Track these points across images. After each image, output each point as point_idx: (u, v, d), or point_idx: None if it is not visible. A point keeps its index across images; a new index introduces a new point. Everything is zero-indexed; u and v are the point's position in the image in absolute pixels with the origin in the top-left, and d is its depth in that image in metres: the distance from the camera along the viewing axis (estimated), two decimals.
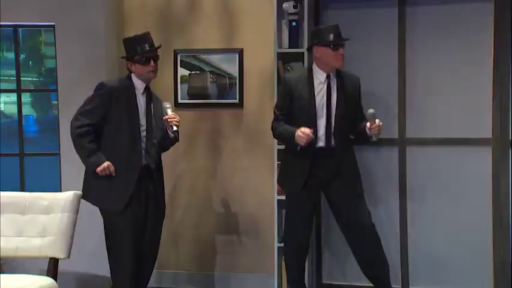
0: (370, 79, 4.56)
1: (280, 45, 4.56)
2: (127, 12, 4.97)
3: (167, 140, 4.07)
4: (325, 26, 4.09)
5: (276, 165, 4.56)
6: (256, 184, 4.86)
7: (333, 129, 3.98)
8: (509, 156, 4.37)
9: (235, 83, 4.87)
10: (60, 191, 4.55)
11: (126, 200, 3.91)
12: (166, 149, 4.16)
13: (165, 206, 4.18)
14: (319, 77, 4.01)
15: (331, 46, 3.92)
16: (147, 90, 4.03)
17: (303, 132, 3.82)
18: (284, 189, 4.21)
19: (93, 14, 4.63)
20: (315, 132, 3.91)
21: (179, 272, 4.97)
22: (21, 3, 4.67)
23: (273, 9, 4.52)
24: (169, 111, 3.96)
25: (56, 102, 4.84)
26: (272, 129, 4.14)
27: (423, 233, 4.57)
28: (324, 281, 4.76)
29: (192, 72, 4.91)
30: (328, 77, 4.00)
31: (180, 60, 4.90)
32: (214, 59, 4.89)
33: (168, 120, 3.93)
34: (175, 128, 3.94)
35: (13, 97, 5.41)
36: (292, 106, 4.02)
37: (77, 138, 3.90)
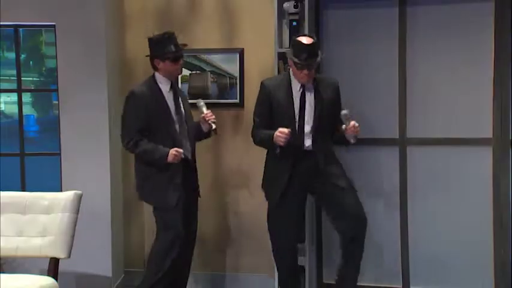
0: (371, 79, 4.57)
1: (280, 45, 4.55)
2: (127, 12, 4.97)
3: (202, 134, 4.23)
4: (300, 43, 3.91)
5: None
6: (257, 184, 4.84)
7: (309, 134, 3.97)
8: (509, 156, 4.38)
9: (236, 83, 4.87)
10: (61, 191, 4.55)
11: (177, 196, 4.01)
12: (200, 139, 4.30)
13: (199, 186, 4.32)
14: (295, 84, 4.02)
15: (297, 65, 3.90)
16: (173, 86, 4.14)
17: (281, 132, 3.84)
18: (266, 196, 4.20)
19: (94, 14, 4.63)
20: (293, 133, 3.90)
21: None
22: (22, 3, 4.67)
23: (273, 9, 4.52)
24: (204, 110, 4.14)
25: (57, 102, 4.84)
26: (252, 136, 4.15)
27: (424, 232, 4.57)
28: (324, 281, 4.76)
29: (193, 72, 4.91)
30: (303, 85, 4.00)
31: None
32: (215, 58, 4.89)
33: (206, 118, 4.11)
34: (214, 126, 4.10)
35: (14, 97, 5.42)
36: (272, 112, 4.02)
37: (134, 150, 4.03)
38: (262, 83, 4.13)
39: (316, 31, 4.66)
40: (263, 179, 4.22)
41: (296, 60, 3.88)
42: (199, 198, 4.35)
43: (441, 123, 4.52)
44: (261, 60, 4.78)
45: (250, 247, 4.91)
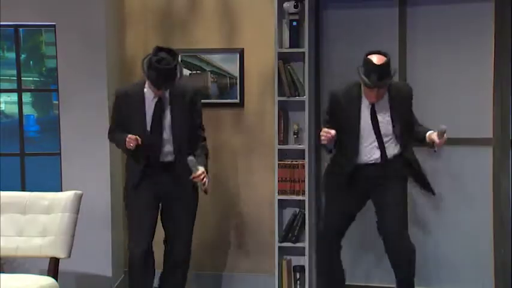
0: None
1: (280, 45, 4.56)
2: (127, 12, 4.97)
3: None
4: (371, 62, 3.74)
5: (276, 165, 4.57)
6: (257, 184, 4.86)
7: (383, 148, 3.90)
8: (509, 156, 4.38)
9: (236, 83, 4.87)
10: (61, 190, 4.55)
11: (137, 177, 4.02)
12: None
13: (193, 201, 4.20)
14: (365, 99, 3.89)
15: (365, 85, 3.78)
16: (158, 97, 3.99)
17: (325, 132, 3.79)
18: (329, 181, 4.16)
19: (94, 14, 4.63)
20: (352, 151, 3.88)
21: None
22: (22, 3, 4.67)
23: (273, 9, 4.52)
24: (194, 170, 3.91)
25: (57, 102, 4.84)
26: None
27: (424, 232, 4.57)
28: None
29: (193, 72, 4.91)
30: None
31: (181, 60, 4.89)
32: (215, 58, 4.88)
33: (195, 180, 3.95)
34: (204, 187, 4.00)
35: (14, 97, 5.41)
36: (338, 123, 3.91)
37: (110, 140, 4.24)
38: (332, 93, 4.02)
39: (316, 31, 4.66)
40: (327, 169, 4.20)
41: (367, 81, 3.73)
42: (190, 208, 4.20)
43: (441, 123, 4.51)
44: (261, 60, 4.78)
45: (251, 247, 4.91)
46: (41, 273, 3.80)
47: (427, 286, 4.56)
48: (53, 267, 3.79)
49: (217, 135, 4.87)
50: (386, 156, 3.90)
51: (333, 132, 3.79)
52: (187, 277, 4.27)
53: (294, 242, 4.62)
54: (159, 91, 3.94)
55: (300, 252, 4.55)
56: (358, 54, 4.53)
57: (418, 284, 4.56)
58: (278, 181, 4.58)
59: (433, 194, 4.12)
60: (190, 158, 3.90)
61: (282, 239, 4.63)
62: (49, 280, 3.68)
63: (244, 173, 4.90)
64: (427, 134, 3.88)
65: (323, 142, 3.84)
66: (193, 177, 3.92)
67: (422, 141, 3.92)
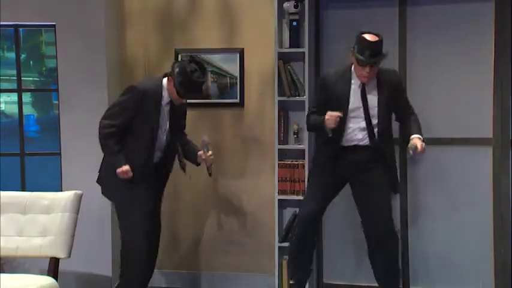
0: None
1: (280, 45, 4.56)
2: (127, 11, 4.97)
3: (193, 159, 4.20)
4: (365, 39, 3.80)
5: (276, 165, 4.57)
6: (257, 184, 4.86)
7: (372, 130, 3.93)
8: (509, 156, 4.38)
9: (236, 83, 4.87)
10: (61, 190, 4.55)
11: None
12: (187, 159, 4.28)
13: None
14: (356, 79, 3.93)
15: (358, 62, 3.82)
16: (172, 102, 4.03)
17: (330, 115, 3.82)
18: (313, 166, 4.20)
19: (94, 14, 4.64)
20: (338, 132, 3.89)
21: (179, 271, 4.97)
22: (22, 3, 4.67)
23: (273, 9, 4.52)
24: (205, 150, 4.08)
25: (57, 102, 4.85)
26: (306, 122, 4.15)
27: (424, 232, 4.57)
28: (325, 281, 4.76)
29: None
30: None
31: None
32: (215, 58, 4.88)
33: (207, 161, 4.09)
34: (210, 170, 4.13)
35: (14, 97, 5.41)
36: (328, 103, 3.95)
37: (104, 137, 3.95)
38: (321, 76, 4.13)
39: (316, 31, 4.66)
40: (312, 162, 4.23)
41: (360, 57, 3.78)
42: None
43: (441, 123, 4.52)
44: (261, 60, 4.78)
45: (251, 247, 4.90)
46: (41, 273, 3.80)
47: (427, 286, 4.56)
48: (53, 267, 3.78)
49: (217, 135, 4.87)
50: (373, 138, 3.93)
51: (337, 113, 3.82)
52: None
53: None
54: (183, 100, 3.99)
55: None
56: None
57: (418, 283, 4.58)
58: (278, 181, 4.58)
59: (395, 193, 4.19)
60: (205, 138, 4.08)
61: (282, 239, 4.63)
62: (49, 280, 3.68)
63: (244, 172, 4.90)
64: (413, 136, 3.91)
65: (330, 126, 3.84)
66: (206, 157, 4.06)
67: (406, 137, 3.96)
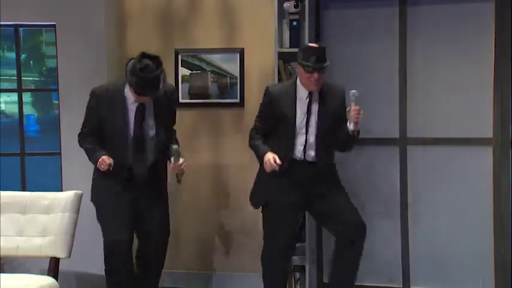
0: (371, 79, 4.57)
1: (281, 45, 4.55)
2: (128, 11, 4.97)
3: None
4: (310, 46, 3.87)
5: None
6: None
7: (312, 144, 3.90)
8: (509, 156, 4.37)
9: (236, 83, 4.87)
10: (61, 190, 4.55)
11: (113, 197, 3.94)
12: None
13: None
14: (302, 93, 3.92)
15: (305, 68, 3.79)
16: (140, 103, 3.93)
17: (269, 163, 3.78)
18: (259, 202, 4.09)
19: (94, 14, 4.64)
20: (286, 147, 3.87)
21: (179, 271, 4.97)
22: (22, 3, 4.67)
23: (273, 8, 4.52)
24: (176, 159, 3.91)
25: (57, 102, 4.85)
26: (249, 137, 4.08)
27: (424, 232, 4.57)
28: (324, 281, 4.76)
29: (193, 71, 4.91)
30: (310, 93, 3.90)
31: (181, 59, 4.90)
32: (215, 58, 4.89)
33: (174, 169, 3.94)
34: (179, 177, 3.99)
35: (14, 97, 5.42)
36: (274, 119, 3.94)
37: (80, 145, 4.03)
38: (267, 88, 4.04)
39: (317, 31, 4.66)
40: (255, 188, 4.11)
41: (306, 63, 3.76)
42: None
43: (441, 123, 4.52)
44: (261, 60, 4.78)
45: (251, 247, 4.90)
46: (41, 273, 3.80)
47: (427, 286, 4.56)
48: (53, 267, 3.79)
49: (217, 135, 4.87)
50: (318, 152, 3.90)
51: (275, 162, 3.77)
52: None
53: None
54: (141, 97, 3.83)
55: (300, 252, 4.54)
56: (358, 54, 4.56)
57: (419, 283, 4.58)
58: None
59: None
60: (175, 146, 3.92)
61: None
62: (49, 280, 3.68)
63: (244, 172, 4.89)
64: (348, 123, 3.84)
65: (268, 170, 3.81)
66: (176, 166, 3.91)
67: (347, 132, 3.85)
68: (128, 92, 3.89)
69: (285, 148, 3.89)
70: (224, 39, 4.87)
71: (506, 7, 4.30)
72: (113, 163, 3.86)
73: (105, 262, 3.99)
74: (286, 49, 4.57)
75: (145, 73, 3.70)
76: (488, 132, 4.41)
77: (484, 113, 4.41)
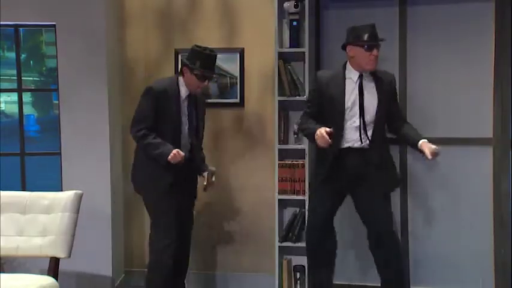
0: None
1: (281, 45, 4.56)
2: (128, 11, 4.97)
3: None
4: (361, 25, 3.89)
5: (276, 165, 4.57)
6: (257, 184, 4.86)
7: (366, 129, 3.89)
8: (509, 156, 4.38)
9: (236, 83, 4.87)
10: (61, 190, 4.55)
11: (169, 181, 4.04)
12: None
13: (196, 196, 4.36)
14: (352, 76, 3.92)
15: (365, 47, 3.82)
16: (190, 96, 4.10)
17: (321, 135, 3.76)
18: (311, 184, 4.21)
19: (94, 14, 4.63)
20: (337, 133, 3.84)
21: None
22: (22, 3, 4.67)
23: (273, 8, 4.52)
24: (210, 179, 4.25)
25: (57, 102, 4.84)
26: (298, 125, 4.16)
27: (424, 232, 4.57)
28: None
29: None
30: (361, 76, 3.91)
31: (181, 59, 4.89)
32: None
33: (207, 186, 4.23)
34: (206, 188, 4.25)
35: (14, 97, 5.41)
36: (323, 104, 3.94)
37: (141, 141, 4.03)
38: (316, 74, 4.08)
39: (317, 31, 4.66)
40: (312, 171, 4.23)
41: (364, 41, 3.79)
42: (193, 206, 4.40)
43: (441, 123, 4.53)
44: (261, 60, 4.78)
45: (251, 247, 4.91)
46: (41, 273, 3.80)
47: (427, 286, 4.56)
48: (53, 267, 3.79)
49: (217, 135, 4.87)
50: (368, 139, 3.89)
51: (324, 132, 3.75)
52: None
53: (294, 242, 4.63)
54: (203, 83, 4.02)
55: (301, 252, 4.54)
56: None
57: (418, 283, 4.57)
58: (278, 181, 4.58)
59: (397, 187, 4.20)
60: (212, 168, 4.28)
61: (283, 238, 4.63)
62: (49, 280, 3.68)
63: (244, 172, 4.90)
64: (420, 142, 3.88)
65: (322, 145, 3.80)
66: (209, 181, 4.22)
67: (412, 146, 3.94)
68: (182, 87, 4.07)
69: (336, 133, 3.84)
70: (224, 39, 4.87)
71: (506, 7, 4.30)
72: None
73: (154, 268, 4.06)
74: (286, 49, 4.57)
75: (209, 51, 4.02)
76: (488, 132, 4.41)
77: (484, 113, 4.41)
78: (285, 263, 4.67)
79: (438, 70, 4.51)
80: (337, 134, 3.87)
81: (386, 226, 3.99)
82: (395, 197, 4.59)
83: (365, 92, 3.91)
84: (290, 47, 4.57)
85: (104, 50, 4.66)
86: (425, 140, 3.90)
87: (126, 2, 4.96)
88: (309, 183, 4.36)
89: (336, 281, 4.61)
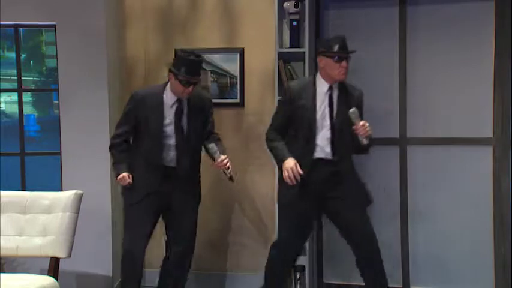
0: (371, 79, 4.56)
1: (281, 45, 4.55)
2: (128, 11, 4.97)
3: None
4: (331, 37, 3.98)
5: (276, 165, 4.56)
6: (257, 184, 4.86)
7: (333, 141, 3.87)
8: (509, 156, 4.38)
9: (236, 83, 4.87)
10: (61, 190, 4.55)
11: (141, 195, 4.01)
12: None
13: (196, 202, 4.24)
14: (322, 87, 3.91)
15: (335, 58, 3.82)
16: (179, 102, 4.01)
17: (291, 169, 3.74)
18: (279, 199, 4.08)
19: (94, 14, 4.64)
20: (307, 145, 3.84)
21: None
22: (22, 3, 4.67)
23: (273, 8, 4.52)
24: (216, 157, 4.03)
25: (57, 102, 4.85)
26: (266, 137, 4.04)
27: (424, 232, 4.57)
28: (325, 281, 4.76)
29: None
30: (330, 88, 3.90)
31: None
32: (215, 58, 4.88)
33: (219, 167, 4.04)
34: (228, 175, 4.04)
35: (14, 96, 5.41)
36: (294, 115, 3.91)
37: (110, 149, 4.10)
38: (288, 84, 4.07)
39: (317, 31, 4.66)
40: (278, 183, 4.07)
41: (335, 52, 3.79)
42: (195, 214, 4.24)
43: (442, 123, 4.53)
44: (261, 60, 4.78)
45: (251, 247, 4.91)
46: (41, 273, 3.81)
47: (427, 286, 4.56)
48: (53, 267, 3.79)
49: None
50: (337, 150, 3.86)
51: (299, 171, 3.74)
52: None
53: None
54: (188, 88, 3.92)
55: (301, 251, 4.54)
56: (359, 54, 4.55)
57: (418, 283, 4.58)
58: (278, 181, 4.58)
59: (369, 204, 4.06)
60: (211, 144, 4.04)
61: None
62: (49, 280, 3.68)
63: (244, 172, 4.90)
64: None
65: (287, 180, 3.76)
66: (217, 164, 4.02)
67: (357, 144, 3.86)
68: (168, 95, 4.00)
69: (305, 147, 3.85)
70: (224, 39, 4.87)
71: (506, 7, 4.30)
72: (132, 181, 3.98)
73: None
74: (286, 49, 4.57)
75: (194, 57, 3.93)
76: (488, 132, 4.41)
77: (484, 113, 4.41)
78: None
79: (438, 70, 4.51)
80: (308, 146, 3.85)
81: (371, 245, 3.95)
82: (396, 196, 4.59)
83: (334, 104, 3.89)
84: (290, 47, 4.56)
85: (104, 50, 4.66)
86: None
87: (126, 2, 4.96)
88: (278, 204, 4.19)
89: (335, 281, 4.64)
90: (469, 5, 4.42)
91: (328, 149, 3.87)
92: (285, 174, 3.78)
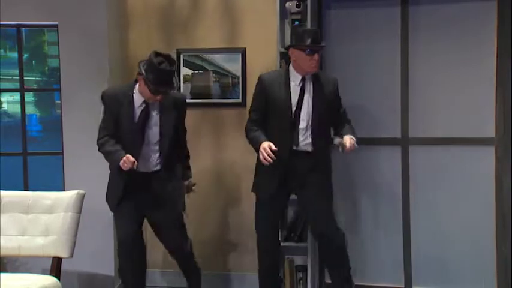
0: (373, 78, 4.57)
1: (283, 45, 4.55)
2: (130, 11, 4.97)
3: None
4: (304, 29, 4.05)
5: None
6: None
7: (307, 131, 3.92)
8: (511, 156, 4.37)
9: (238, 83, 4.87)
10: (64, 190, 4.56)
11: (115, 201, 3.96)
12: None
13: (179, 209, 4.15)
14: (294, 79, 3.96)
15: (306, 51, 3.85)
16: (146, 104, 3.91)
17: (264, 149, 3.77)
18: (257, 194, 4.12)
19: (96, 14, 4.64)
20: (283, 136, 3.87)
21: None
22: (24, 3, 4.67)
23: (275, 8, 4.52)
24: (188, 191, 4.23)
25: (59, 102, 4.85)
26: (245, 131, 4.06)
27: (426, 232, 4.57)
28: (327, 281, 4.76)
29: (195, 71, 4.91)
30: (303, 79, 3.94)
31: (183, 59, 4.90)
32: (217, 58, 4.89)
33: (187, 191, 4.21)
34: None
35: (16, 96, 5.43)
36: (268, 107, 3.96)
37: (100, 150, 3.97)
38: (259, 77, 4.06)
39: (319, 31, 4.66)
40: (255, 178, 4.11)
41: (306, 45, 3.83)
42: (184, 215, 4.21)
43: (443, 123, 4.52)
44: (263, 59, 4.77)
45: (251, 246, 4.89)
46: (44, 273, 3.81)
47: (429, 286, 4.55)
48: (55, 267, 3.80)
49: (219, 135, 4.87)
50: (312, 141, 3.91)
51: (269, 149, 3.75)
52: None
53: (296, 242, 4.62)
54: (157, 97, 3.82)
55: (303, 251, 4.55)
56: (360, 54, 4.56)
57: (420, 283, 4.58)
58: None
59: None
60: (187, 183, 4.19)
61: (285, 238, 4.62)
62: (51, 279, 3.69)
63: (245, 172, 4.89)
64: (346, 136, 3.88)
65: (263, 161, 3.79)
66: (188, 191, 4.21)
67: (335, 134, 4.00)
68: (136, 96, 3.92)
69: (282, 137, 3.88)
70: (226, 39, 4.87)
71: (508, 7, 4.30)
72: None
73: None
74: (287, 48, 4.56)
75: (164, 67, 3.75)
76: (490, 132, 4.40)
77: (486, 113, 4.41)
78: (287, 262, 4.66)
79: (440, 70, 4.51)
80: (284, 137, 3.88)
81: (330, 226, 4.00)
82: (397, 196, 4.59)
83: (307, 95, 3.93)
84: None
85: (106, 50, 4.67)
86: (352, 137, 3.88)
87: (128, 2, 4.97)
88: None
89: None
90: (470, 5, 4.41)
91: (305, 140, 3.93)
92: (261, 156, 3.79)
